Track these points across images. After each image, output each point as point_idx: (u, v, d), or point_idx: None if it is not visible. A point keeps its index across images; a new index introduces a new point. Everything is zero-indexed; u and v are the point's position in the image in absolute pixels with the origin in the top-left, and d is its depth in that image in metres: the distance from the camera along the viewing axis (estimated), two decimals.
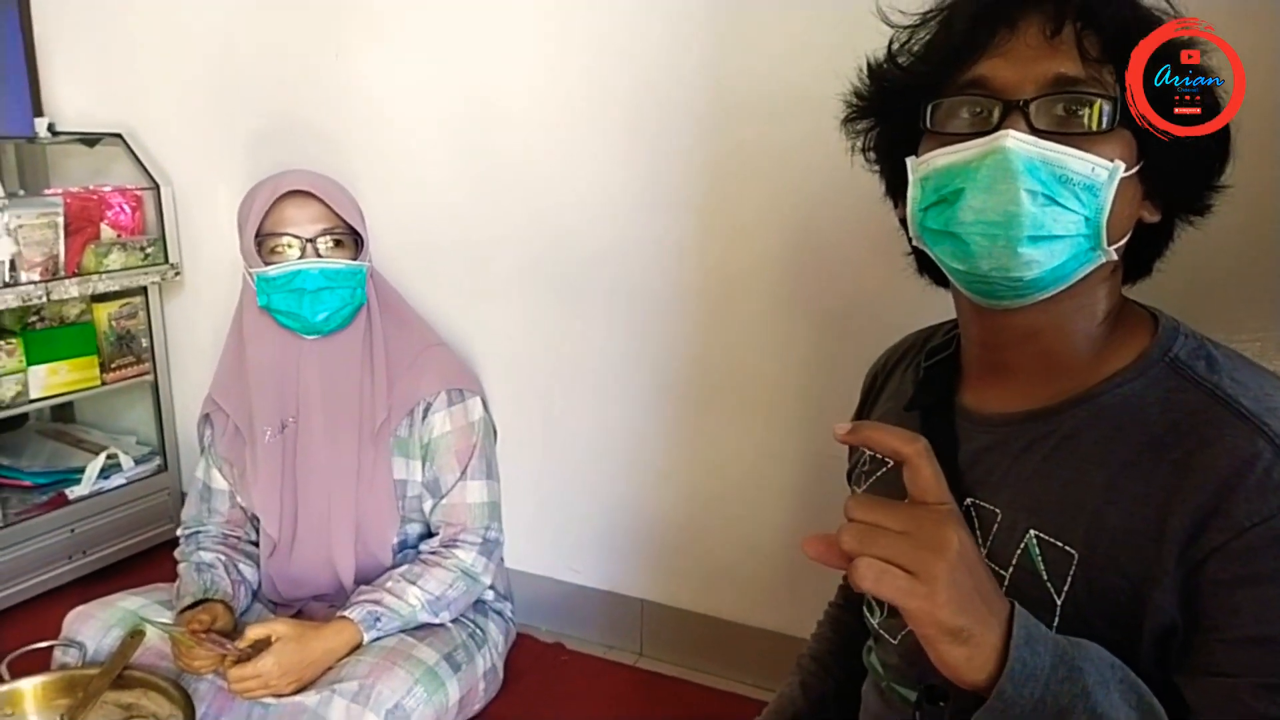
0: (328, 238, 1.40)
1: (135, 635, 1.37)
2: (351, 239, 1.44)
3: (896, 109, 0.78)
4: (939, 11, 0.75)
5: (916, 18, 0.77)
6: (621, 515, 1.73)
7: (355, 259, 1.43)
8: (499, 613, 1.63)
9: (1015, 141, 0.66)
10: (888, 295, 1.31)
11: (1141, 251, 0.78)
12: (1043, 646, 0.57)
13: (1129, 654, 0.63)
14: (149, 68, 2.05)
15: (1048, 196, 0.67)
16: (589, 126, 1.58)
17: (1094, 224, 0.68)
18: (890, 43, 0.78)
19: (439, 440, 1.50)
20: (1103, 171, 0.67)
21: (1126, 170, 0.68)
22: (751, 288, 1.52)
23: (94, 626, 1.40)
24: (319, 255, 1.39)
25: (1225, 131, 0.70)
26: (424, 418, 1.50)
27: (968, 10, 0.72)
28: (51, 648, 1.41)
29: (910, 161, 0.75)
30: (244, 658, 1.26)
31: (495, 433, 1.67)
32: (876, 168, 0.85)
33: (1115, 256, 0.71)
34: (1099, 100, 0.68)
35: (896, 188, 0.82)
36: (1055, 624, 0.69)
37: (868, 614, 0.90)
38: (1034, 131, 0.67)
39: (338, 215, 1.41)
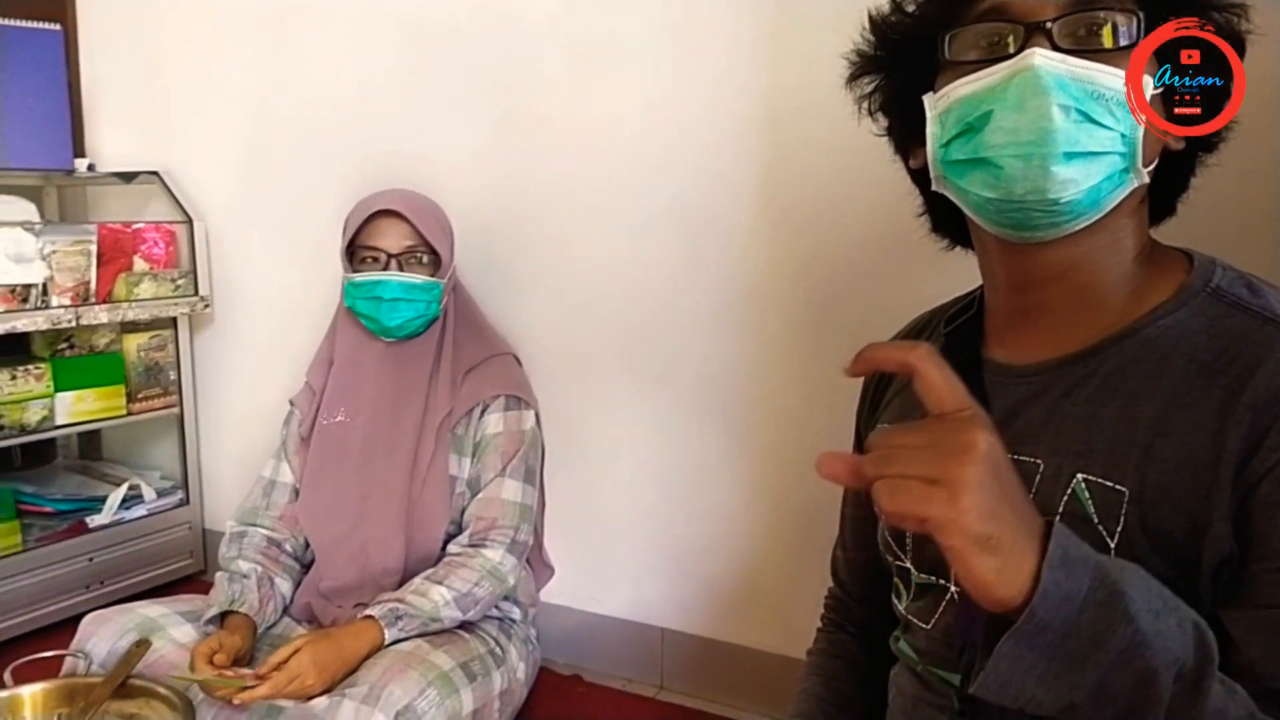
0: (411, 255, 1.51)
1: (141, 644, 1.34)
2: (434, 258, 1.55)
3: (905, 55, 0.77)
4: None
5: None
6: (641, 540, 1.69)
7: (435, 275, 1.53)
8: (524, 640, 1.58)
9: (1043, 59, 0.66)
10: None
11: (1165, 185, 0.76)
12: (1081, 568, 0.53)
13: (1187, 595, 0.59)
14: (186, 112, 2.13)
15: (1081, 112, 0.66)
16: (621, 149, 1.61)
17: (1130, 140, 0.67)
18: None
19: (489, 439, 1.55)
20: None
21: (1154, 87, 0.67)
22: (781, 307, 1.51)
23: (110, 630, 1.37)
24: (401, 270, 1.51)
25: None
26: (480, 417, 1.56)
27: None
28: (61, 657, 1.38)
29: (928, 99, 0.74)
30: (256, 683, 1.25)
31: (543, 450, 1.67)
32: (882, 132, 0.84)
33: (1147, 179, 0.70)
34: (1123, 15, 0.67)
35: (907, 140, 0.81)
36: None
37: (895, 600, 0.85)
38: (1059, 51, 0.67)
39: (422, 235, 1.52)
